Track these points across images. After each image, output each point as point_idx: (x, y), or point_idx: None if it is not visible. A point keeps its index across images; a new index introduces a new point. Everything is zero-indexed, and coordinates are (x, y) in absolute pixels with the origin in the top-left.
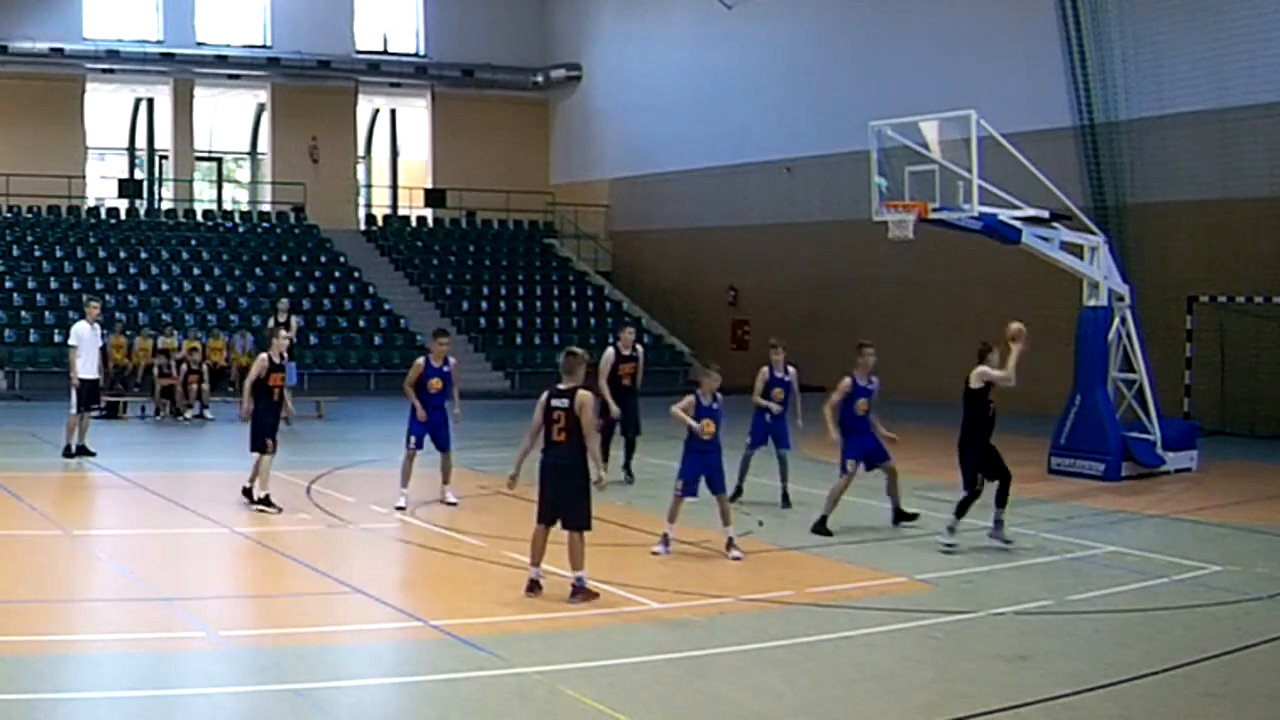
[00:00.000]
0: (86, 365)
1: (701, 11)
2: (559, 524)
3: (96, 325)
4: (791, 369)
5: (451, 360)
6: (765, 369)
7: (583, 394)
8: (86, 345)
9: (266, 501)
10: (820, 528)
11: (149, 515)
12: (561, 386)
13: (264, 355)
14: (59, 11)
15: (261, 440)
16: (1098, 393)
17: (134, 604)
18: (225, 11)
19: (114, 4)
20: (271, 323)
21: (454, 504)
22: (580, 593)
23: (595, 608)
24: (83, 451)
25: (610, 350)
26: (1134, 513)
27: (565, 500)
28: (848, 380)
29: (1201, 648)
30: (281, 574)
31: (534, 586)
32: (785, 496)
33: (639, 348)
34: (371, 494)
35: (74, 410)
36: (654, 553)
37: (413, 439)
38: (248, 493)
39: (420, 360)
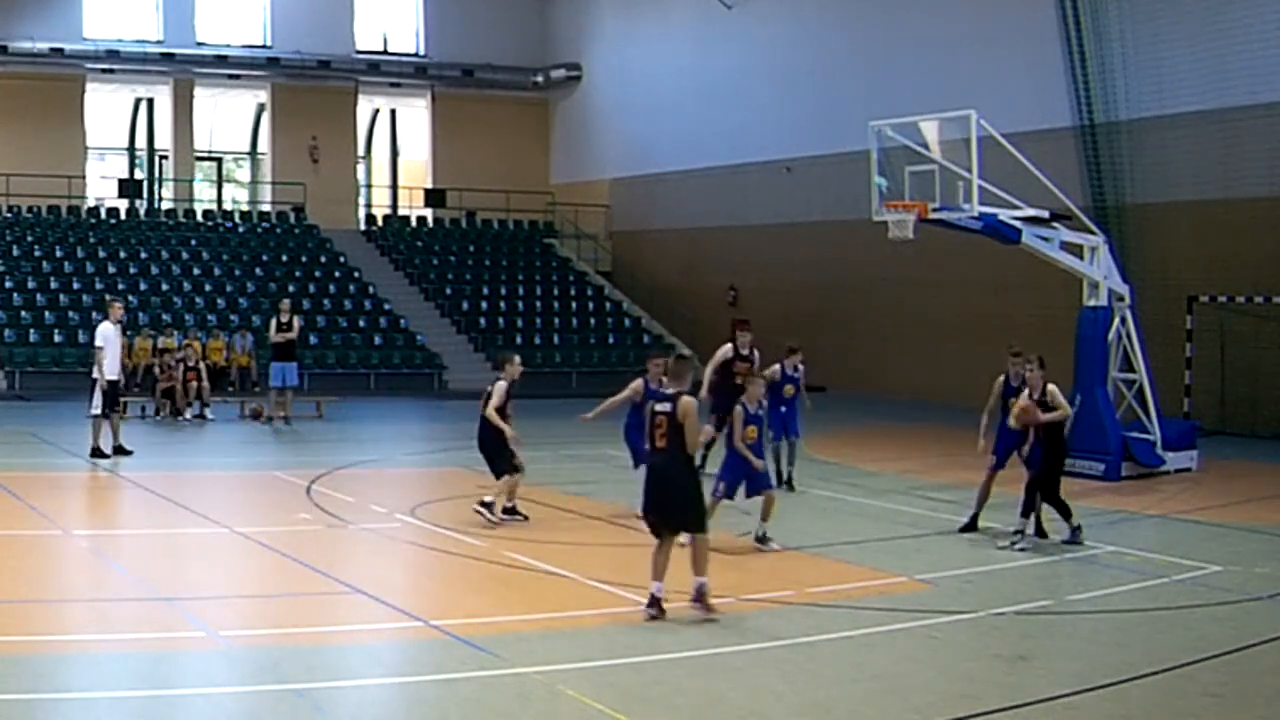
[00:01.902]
0: (111, 366)
1: (701, 11)
2: (667, 531)
3: (119, 325)
4: (801, 366)
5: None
6: (776, 366)
7: (686, 400)
8: (112, 346)
9: (513, 510)
10: (970, 526)
11: (149, 515)
12: (667, 391)
13: (503, 383)
14: (59, 11)
15: (505, 467)
16: (1098, 393)
17: (134, 604)
18: (225, 11)
19: (114, 4)
20: (273, 323)
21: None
22: (699, 601)
23: (598, 608)
24: (99, 454)
25: (728, 346)
26: (1134, 513)
27: (669, 505)
28: (1000, 379)
29: (1201, 648)
30: (281, 574)
31: (653, 603)
32: (790, 480)
33: (755, 351)
34: (371, 494)
35: (98, 411)
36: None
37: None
38: (511, 511)
39: (639, 382)
